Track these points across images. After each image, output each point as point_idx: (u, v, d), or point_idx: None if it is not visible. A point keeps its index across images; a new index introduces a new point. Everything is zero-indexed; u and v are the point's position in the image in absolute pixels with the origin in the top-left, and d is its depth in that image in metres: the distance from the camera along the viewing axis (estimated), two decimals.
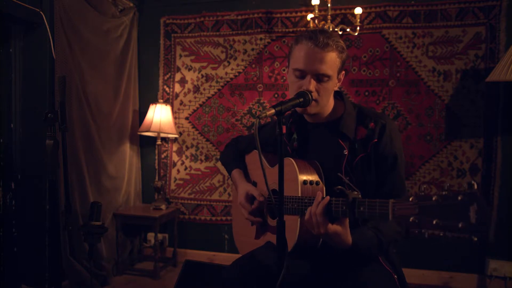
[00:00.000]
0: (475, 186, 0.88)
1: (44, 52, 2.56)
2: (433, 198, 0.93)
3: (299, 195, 1.32)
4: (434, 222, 0.92)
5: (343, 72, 1.44)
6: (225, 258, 3.29)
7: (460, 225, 0.88)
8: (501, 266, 2.81)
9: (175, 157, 3.52)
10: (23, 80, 2.61)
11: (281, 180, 1.19)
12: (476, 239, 0.86)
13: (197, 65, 3.45)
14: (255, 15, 3.30)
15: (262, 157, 1.58)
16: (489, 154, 2.89)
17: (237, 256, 1.55)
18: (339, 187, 1.16)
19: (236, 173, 1.69)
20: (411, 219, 0.96)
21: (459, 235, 0.88)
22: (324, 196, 1.22)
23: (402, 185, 1.40)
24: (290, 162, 1.39)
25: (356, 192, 1.13)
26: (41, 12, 2.52)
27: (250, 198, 1.56)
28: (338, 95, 1.51)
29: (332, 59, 1.34)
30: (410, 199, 0.98)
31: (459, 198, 0.89)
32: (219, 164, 3.41)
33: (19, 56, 2.59)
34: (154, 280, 3.07)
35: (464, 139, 2.94)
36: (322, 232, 1.19)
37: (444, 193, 0.92)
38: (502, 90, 2.84)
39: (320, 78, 1.35)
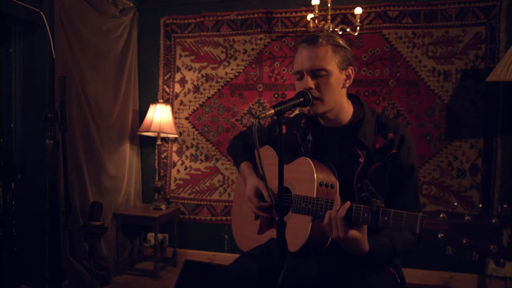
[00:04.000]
0: (508, 209, 0.89)
1: (44, 52, 2.56)
2: (466, 218, 0.93)
3: (314, 196, 1.31)
4: (464, 241, 0.92)
5: (351, 68, 1.40)
6: (225, 258, 3.29)
7: (492, 247, 0.89)
8: None
9: (175, 157, 3.52)
10: (23, 80, 2.61)
11: (281, 180, 1.20)
12: (503, 261, 0.88)
13: (197, 65, 3.45)
14: (255, 15, 3.30)
15: (275, 153, 1.60)
16: (489, 154, 2.89)
17: (237, 256, 1.55)
18: (366, 194, 1.15)
19: (245, 166, 1.67)
20: (439, 235, 0.96)
21: (488, 256, 0.90)
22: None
23: (416, 197, 1.40)
24: (307, 162, 1.38)
25: (379, 201, 1.12)
26: (41, 12, 2.52)
27: (259, 193, 1.55)
28: (356, 100, 1.49)
29: (325, 53, 1.34)
30: (441, 215, 0.97)
31: (493, 220, 0.89)
32: (219, 164, 3.42)
33: (19, 56, 2.59)
34: (154, 280, 3.07)
35: (464, 139, 2.94)
36: (342, 236, 1.17)
37: (476, 213, 0.93)
38: (502, 90, 2.84)
39: (316, 73, 1.34)
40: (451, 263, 2.96)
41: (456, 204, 0.97)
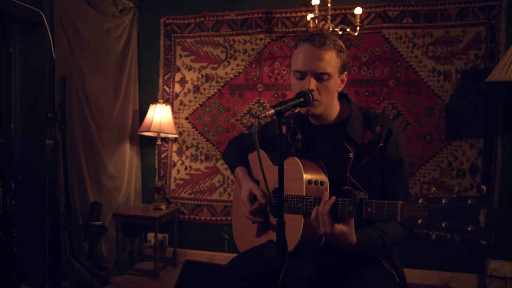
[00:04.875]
0: (485, 190, 0.88)
1: (44, 52, 2.56)
2: (443, 201, 0.93)
3: (304, 194, 1.32)
4: (443, 224, 0.92)
5: (346, 73, 1.45)
6: (225, 258, 3.29)
7: (469, 229, 0.88)
8: (501, 266, 2.81)
9: (175, 157, 3.52)
10: (23, 80, 2.61)
11: (281, 180, 1.20)
12: (485, 242, 0.87)
13: (197, 65, 3.45)
14: (255, 15, 3.30)
15: (266, 156, 1.61)
16: (489, 154, 2.89)
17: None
18: (347, 187, 1.16)
19: (239, 170, 1.69)
20: (419, 221, 0.96)
21: (468, 238, 0.89)
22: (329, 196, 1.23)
23: (406, 189, 1.41)
24: (295, 161, 1.39)
25: (363, 193, 1.13)
26: (41, 12, 2.52)
27: (253, 197, 1.56)
28: (344, 97, 1.52)
29: (330, 58, 1.36)
30: (420, 201, 0.97)
31: (469, 201, 0.89)
32: (219, 164, 3.42)
33: (19, 56, 2.59)
34: (154, 280, 3.07)
35: (464, 139, 2.94)
36: (328, 231, 1.19)
37: (453, 196, 0.93)
38: (502, 90, 2.84)
39: (320, 77, 1.36)
40: (451, 263, 2.96)
41: (434, 189, 0.97)
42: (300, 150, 1.51)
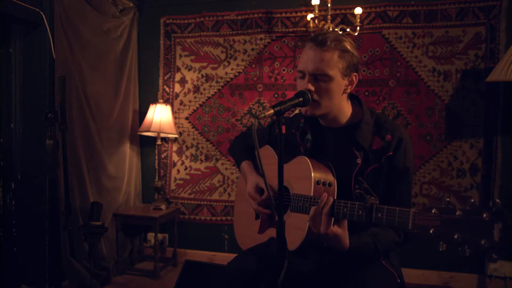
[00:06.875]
0: (500, 204, 0.88)
1: (44, 52, 2.56)
2: (457, 213, 0.93)
3: (312, 194, 1.32)
4: (456, 236, 0.92)
5: (355, 74, 1.39)
6: (225, 258, 3.29)
7: (483, 242, 0.88)
8: (501, 266, 2.81)
9: (175, 157, 3.52)
10: (23, 80, 2.61)
11: (280, 180, 1.20)
12: (496, 256, 0.87)
13: (197, 65, 3.45)
14: (255, 15, 3.30)
15: (274, 153, 1.61)
16: (489, 154, 2.89)
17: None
18: (359, 190, 1.15)
19: (245, 164, 1.68)
20: (431, 230, 0.96)
21: (480, 251, 0.89)
22: (335, 198, 1.25)
23: (408, 198, 1.41)
24: (305, 161, 1.39)
25: (373, 198, 1.13)
26: (41, 12, 2.52)
27: (260, 190, 1.55)
28: (356, 100, 1.48)
29: (331, 58, 1.32)
30: (433, 211, 0.97)
31: (484, 215, 0.89)
32: (219, 164, 3.42)
33: (19, 56, 2.59)
34: (154, 280, 3.07)
35: (464, 139, 2.94)
36: (322, 232, 1.20)
37: (468, 208, 0.92)
38: (502, 90, 2.84)
39: (318, 77, 1.34)
40: (451, 263, 2.96)
41: (448, 199, 0.97)
42: (308, 151, 1.50)
